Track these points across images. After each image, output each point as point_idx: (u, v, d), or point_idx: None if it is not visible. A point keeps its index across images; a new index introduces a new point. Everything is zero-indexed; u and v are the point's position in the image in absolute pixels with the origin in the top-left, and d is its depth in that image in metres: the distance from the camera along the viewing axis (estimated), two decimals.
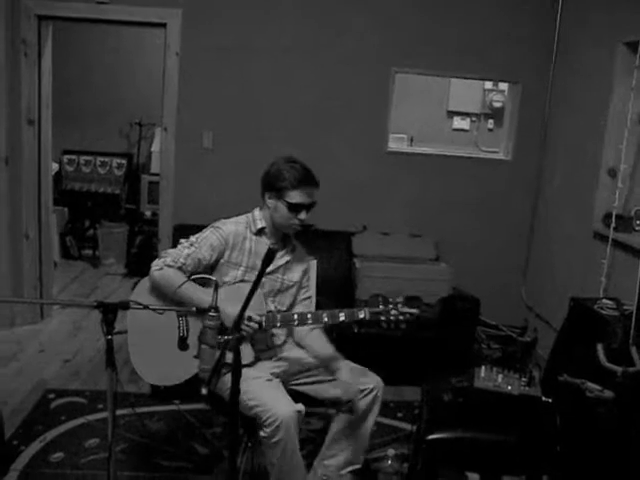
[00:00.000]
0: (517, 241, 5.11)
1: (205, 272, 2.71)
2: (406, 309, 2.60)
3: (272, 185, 2.74)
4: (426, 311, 4.21)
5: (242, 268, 2.77)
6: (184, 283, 2.63)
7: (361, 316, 2.60)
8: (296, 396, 2.89)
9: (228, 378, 2.64)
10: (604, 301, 3.23)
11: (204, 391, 2.62)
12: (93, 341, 4.76)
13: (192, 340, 2.69)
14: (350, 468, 2.84)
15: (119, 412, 3.64)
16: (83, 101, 6.92)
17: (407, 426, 3.71)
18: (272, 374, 2.70)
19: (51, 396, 3.83)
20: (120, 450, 3.30)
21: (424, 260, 4.66)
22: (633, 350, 2.10)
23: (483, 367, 2.66)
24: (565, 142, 4.67)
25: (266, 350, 2.82)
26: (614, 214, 3.80)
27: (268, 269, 2.68)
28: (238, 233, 2.78)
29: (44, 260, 5.01)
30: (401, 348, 4.15)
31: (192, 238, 2.78)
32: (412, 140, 6.15)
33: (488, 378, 2.57)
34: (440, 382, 2.70)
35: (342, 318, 2.62)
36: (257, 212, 2.84)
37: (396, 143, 5.46)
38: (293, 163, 2.75)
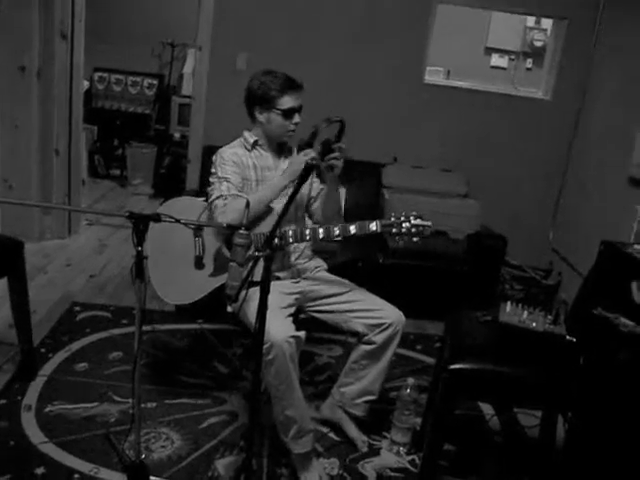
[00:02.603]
0: (549, 183, 5.03)
1: None
2: (419, 221, 2.57)
3: (260, 99, 2.78)
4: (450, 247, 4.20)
5: (253, 183, 2.84)
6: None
7: (373, 228, 2.58)
8: (315, 323, 2.94)
9: (251, 300, 2.70)
10: (635, 247, 3.17)
11: (229, 308, 2.69)
12: (118, 258, 4.83)
13: (208, 259, 2.73)
14: (365, 398, 2.87)
15: (144, 328, 3.71)
16: (116, 18, 6.82)
17: (426, 359, 3.76)
18: (289, 294, 2.73)
19: (77, 309, 3.90)
20: (143, 364, 3.36)
21: (454, 195, 4.61)
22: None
23: (509, 302, 2.64)
24: (610, 85, 4.52)
25: (282, 269, 2.84)
26: None
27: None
28: (237, 154, 2.85)
29: (73, 177, 5.03)
30: (425, 281, 4.15)
31: (216, 175, 2.80)
32: (449, 74, 6.00)
33: (514, 313, 2.54)
34: (465, 315, 2.69)
35: (353, 231, 2.60)
36: (246, 133, 2.92)
37: (433, 76, 5.33)
38: (272, 72, 2.78)
